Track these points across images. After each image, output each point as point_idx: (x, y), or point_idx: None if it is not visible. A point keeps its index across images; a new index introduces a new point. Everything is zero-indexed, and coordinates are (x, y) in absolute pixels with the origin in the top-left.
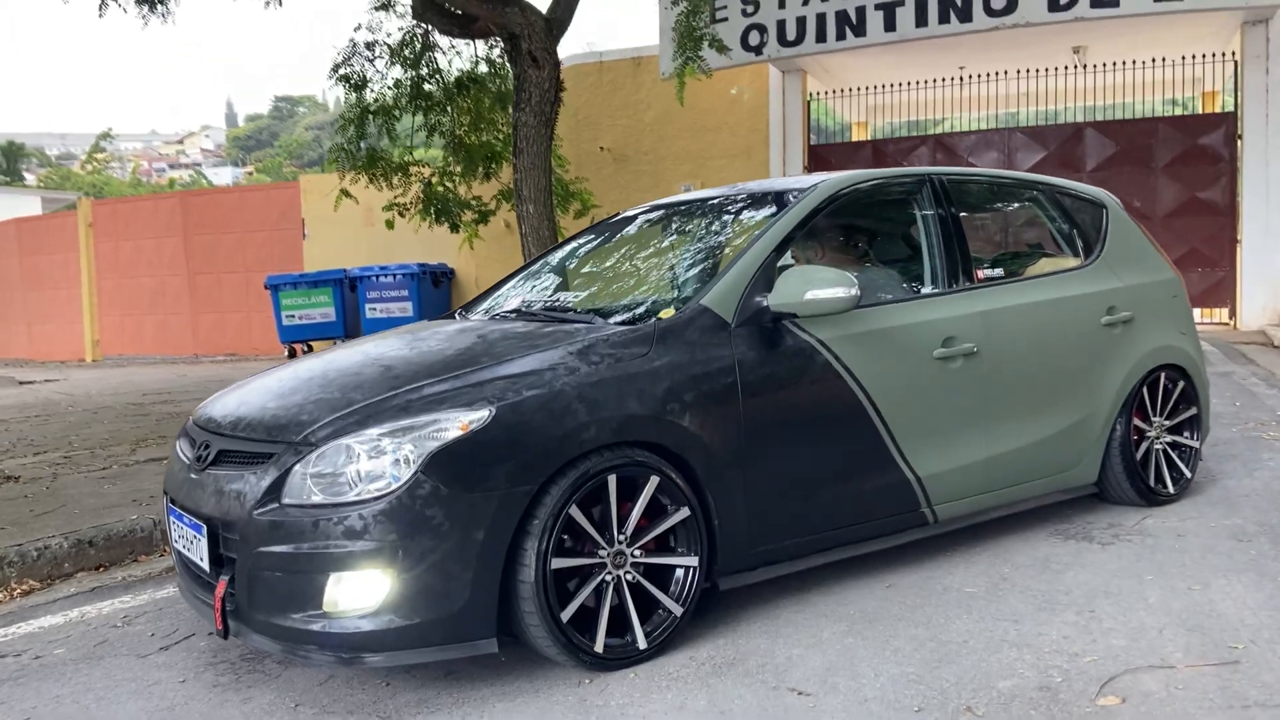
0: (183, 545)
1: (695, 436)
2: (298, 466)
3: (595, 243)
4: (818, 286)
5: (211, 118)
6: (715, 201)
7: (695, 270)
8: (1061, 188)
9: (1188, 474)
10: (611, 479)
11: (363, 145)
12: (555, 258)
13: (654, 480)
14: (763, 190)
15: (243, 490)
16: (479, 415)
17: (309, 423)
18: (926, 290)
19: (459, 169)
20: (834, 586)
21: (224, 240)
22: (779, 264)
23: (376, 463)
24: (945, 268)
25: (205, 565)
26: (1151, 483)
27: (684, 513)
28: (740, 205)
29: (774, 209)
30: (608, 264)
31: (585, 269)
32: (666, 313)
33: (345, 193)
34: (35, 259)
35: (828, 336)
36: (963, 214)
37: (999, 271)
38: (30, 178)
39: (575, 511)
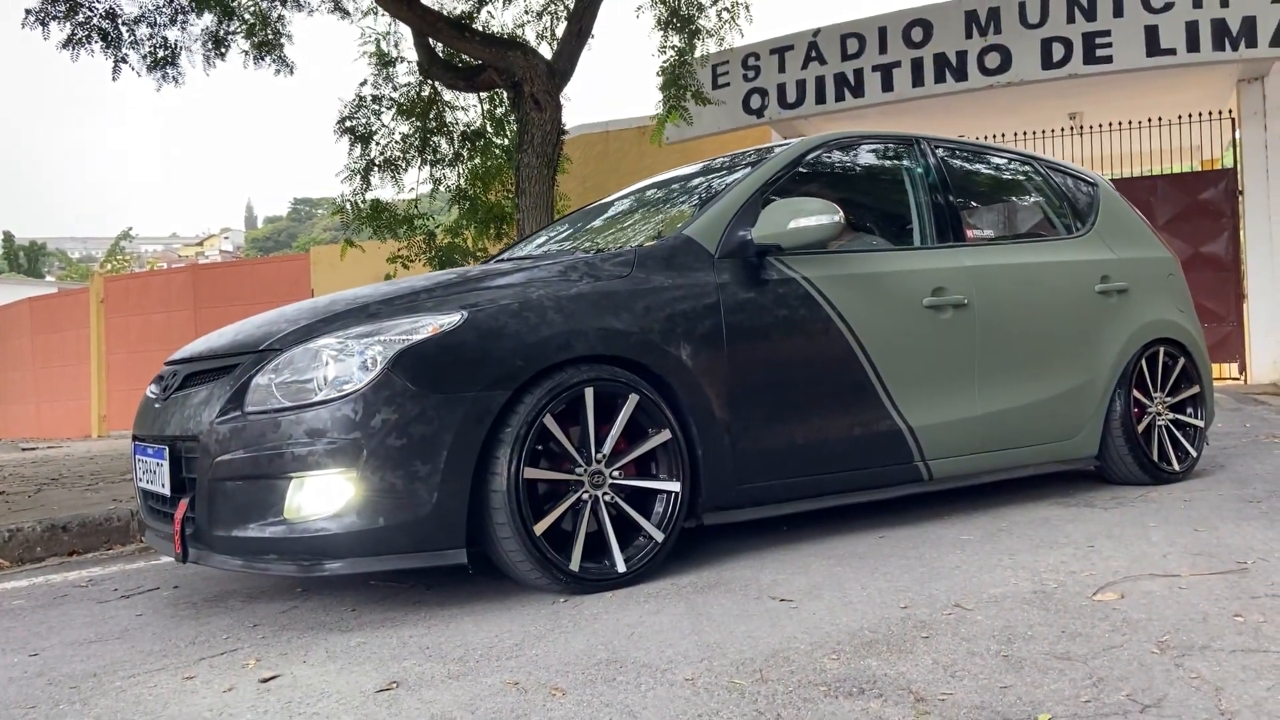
0: (146, 480)
1: (676, 360)
2: (260, 375)
3: (581, 218)
4: (802, 216)
5: (232, 220)
6: (699, 170)
7: (680, 216)
8: (1052, 163)
9: (1193, 453)
10: (589, 392)
11: (367, 197)
12: (541, 235)
13: (633, 399)
14: (745, 153)
15: (206, 402)
16: (450, 319)
17: (275, 334)
18: (916, 244)
19: (471, 229)
20: (824, 536)
21: (234, 313)
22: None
23: (343, 365)
24: (934, 224)
25: (166, 491)
26: (1155, 458)
27: (665, 435)
28: (723, 168)
29: (757, 164)
30: (593, 227)
31: (572, 233)
32: (649, 242)
33: (350, 242)
34: (47, 337)
35: (814, 274)
36: (951, 178)
37: (989, 233)
38: (51, 278)
39: (550, 422)
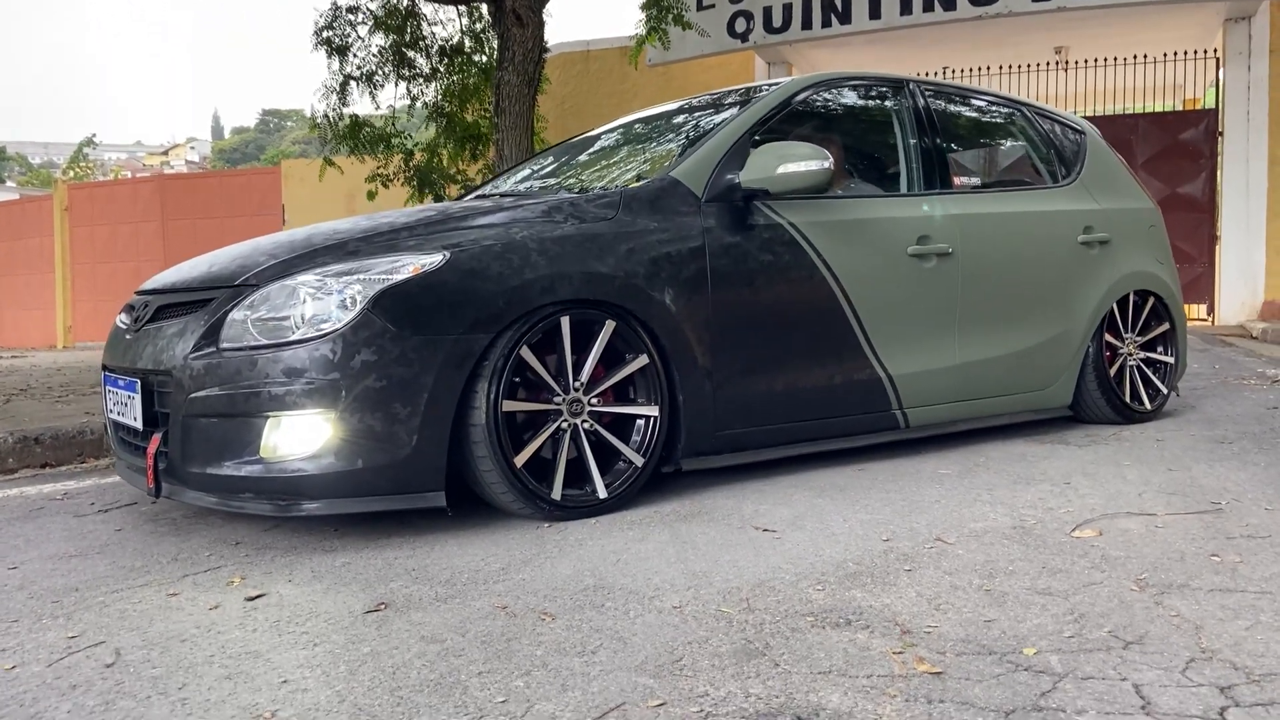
0: (117, 412)
1: (660, 304)
2: (236, 311)
3: (565, 152)
4: (790, 161)
5: (198, 130)
6: (685, 107)
7: (667, 156)
8: (1041, 109)
9: (1164, 390)
10: (565, 320)
11: (345, 114)
12: (525, 168)
13: (610, 325)
14: (732, 91)
15: (179, 336)
16: (432, 259)
17: (252, 268)
18: (902, 191)
19: (448, 149)
20: (804, 471)
21: (202, 225)
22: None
23: (321, 304)
24: (921, 170)
25: (138, 425)
26: (1127, 398)
27: (643, 359)
28: (710, 106)
29: (745, 103)
30: (578, 163)
31: (556, 167)
32: (635, 183)
33: (329, 161)
34: (10, 245)
35: (800, 220)
36: (940, 123)
37: (976, 180)
38: (12, 184)
39: (526, 353)
